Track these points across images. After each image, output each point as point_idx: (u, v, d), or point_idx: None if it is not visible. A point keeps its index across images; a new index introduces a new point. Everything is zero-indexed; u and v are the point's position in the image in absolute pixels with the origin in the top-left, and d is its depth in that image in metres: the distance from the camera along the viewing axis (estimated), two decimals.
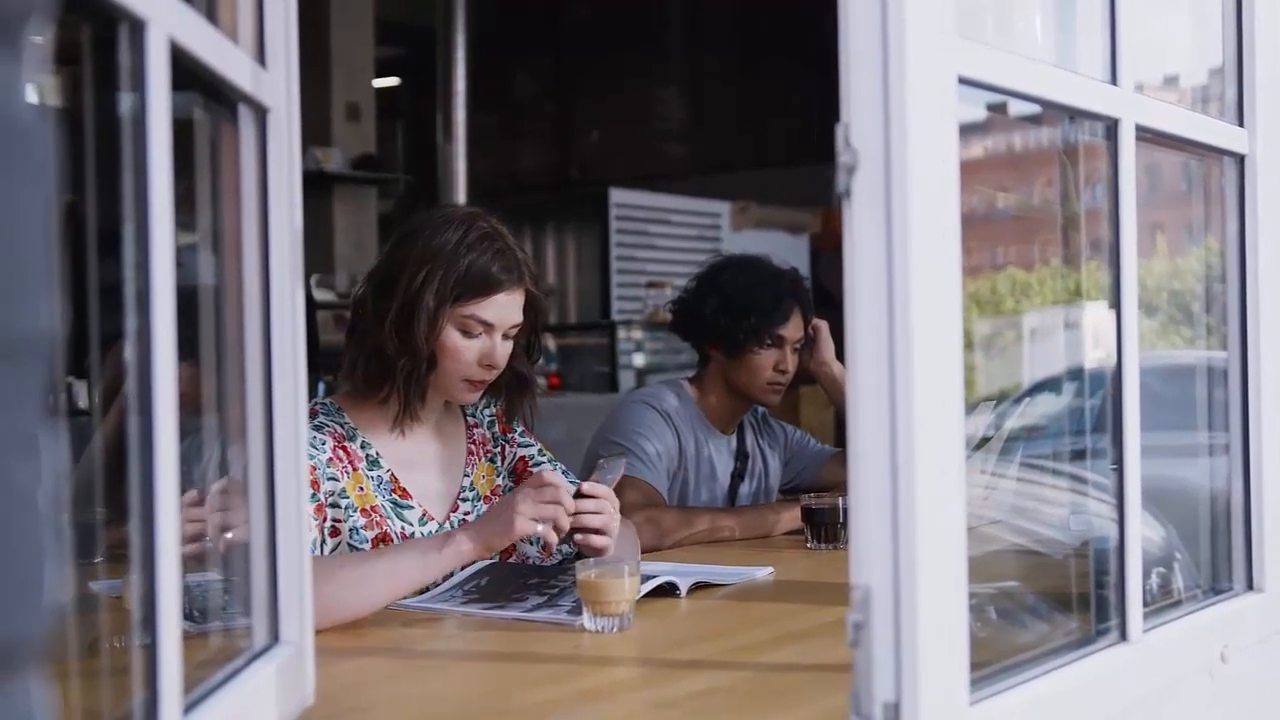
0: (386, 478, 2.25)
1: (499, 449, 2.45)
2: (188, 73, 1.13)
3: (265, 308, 1.37)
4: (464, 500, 2.35)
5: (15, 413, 0.57)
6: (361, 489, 2.20)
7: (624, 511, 2.77)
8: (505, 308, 2.24)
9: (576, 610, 1.93)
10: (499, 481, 2.41)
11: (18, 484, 0.57)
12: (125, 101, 1.03)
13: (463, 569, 2.17)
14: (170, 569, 1.03)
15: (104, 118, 1.05)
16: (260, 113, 1.36)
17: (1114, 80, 1.54)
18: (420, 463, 2.31)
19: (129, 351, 1.02)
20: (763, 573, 2.38)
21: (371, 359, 2.23)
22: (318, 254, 7.19)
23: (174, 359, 1.04)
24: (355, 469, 2.21)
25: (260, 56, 1.36)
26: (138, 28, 1.01)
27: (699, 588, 2.21)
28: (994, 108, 1.49)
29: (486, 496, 2.38)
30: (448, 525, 2.28)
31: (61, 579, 0.61)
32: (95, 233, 1.05)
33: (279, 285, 1.38)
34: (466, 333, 2.22)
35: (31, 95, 0.60)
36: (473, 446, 2.40)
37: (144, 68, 1.02)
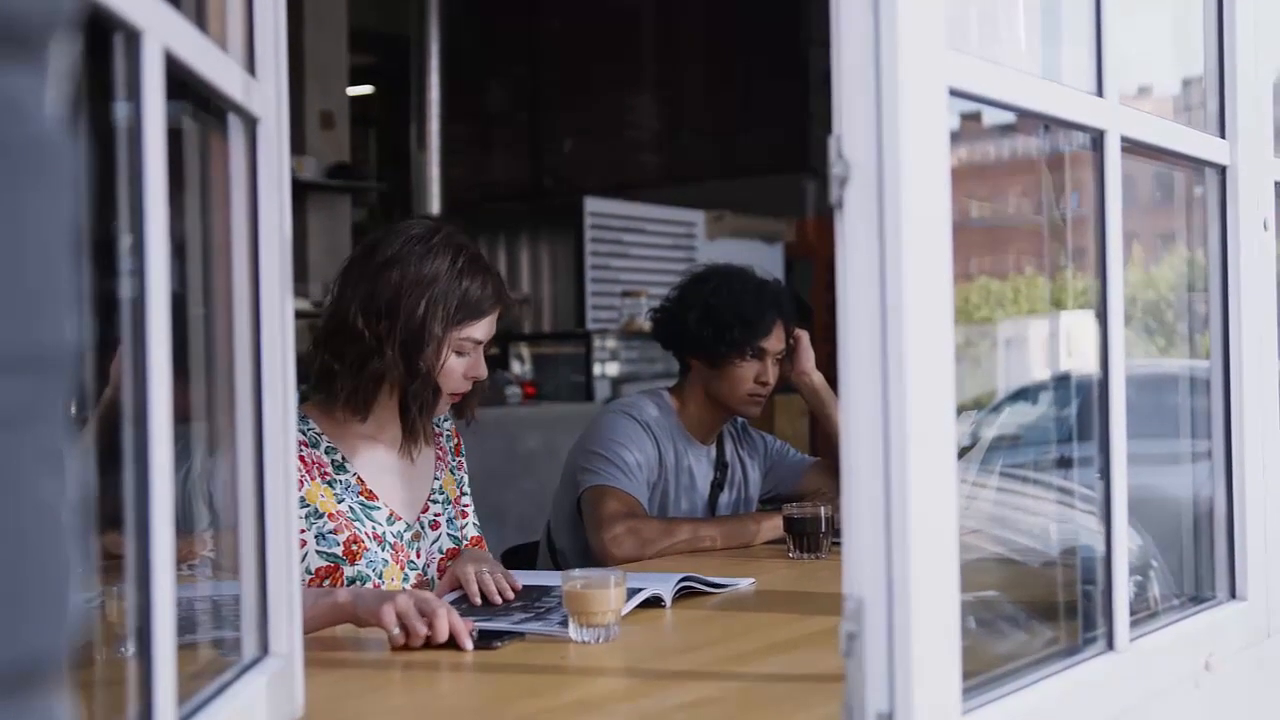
0: (353, 481, 2.30)
1: (456, 463, 2.54)
2: (179, 82, 1.13)
3: (255, 318, 1.37)
4: (434, 502, 2.43)
5: (40, 427, 0.57)
6: (324, 495, 2.25)
7: (605, 521, 2.79)
8: (492, 324, 2.35)
9: (565, 625, 1.92)
10: (458, 491, 2.51)
11: (44, 499, 0.57)
12: (120, 110, 1.03)
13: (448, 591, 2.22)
14: (165, 581, 1.02)
15: (97, 127, 1.05)
16: (250, 123, 1.36)
17: (1099, 92, 1.55)
18: (389, 467, 2.37)
19: (124, 362, 1.02)
20: (745, 583, 2.38)
21: (371, 384, 2.28)
22: (291, 263, 7.14)
23: (168, 368, 1.03)
24: (314, 477, 2.26)
25: (250, 66, 1.36)
26: (133, 37, 1.00)
27: (685, 595, 2.21)
28: (968, 116, 1.49)
29: (455, 500, 2.48)
30: (417, 525, 2.37)
31: (82, 594, 0.60)
32: (87, 242, 1.04)
33: (269, 295, 1.38)
34: (460, 353, 2.31)
35: (55, 109, 0.60)
36: (440, 453, 2.49)
37: (139, 77, 1.01)
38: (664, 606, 2.14)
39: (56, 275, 0.58)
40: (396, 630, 1.85)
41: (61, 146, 0.59)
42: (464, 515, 2.52)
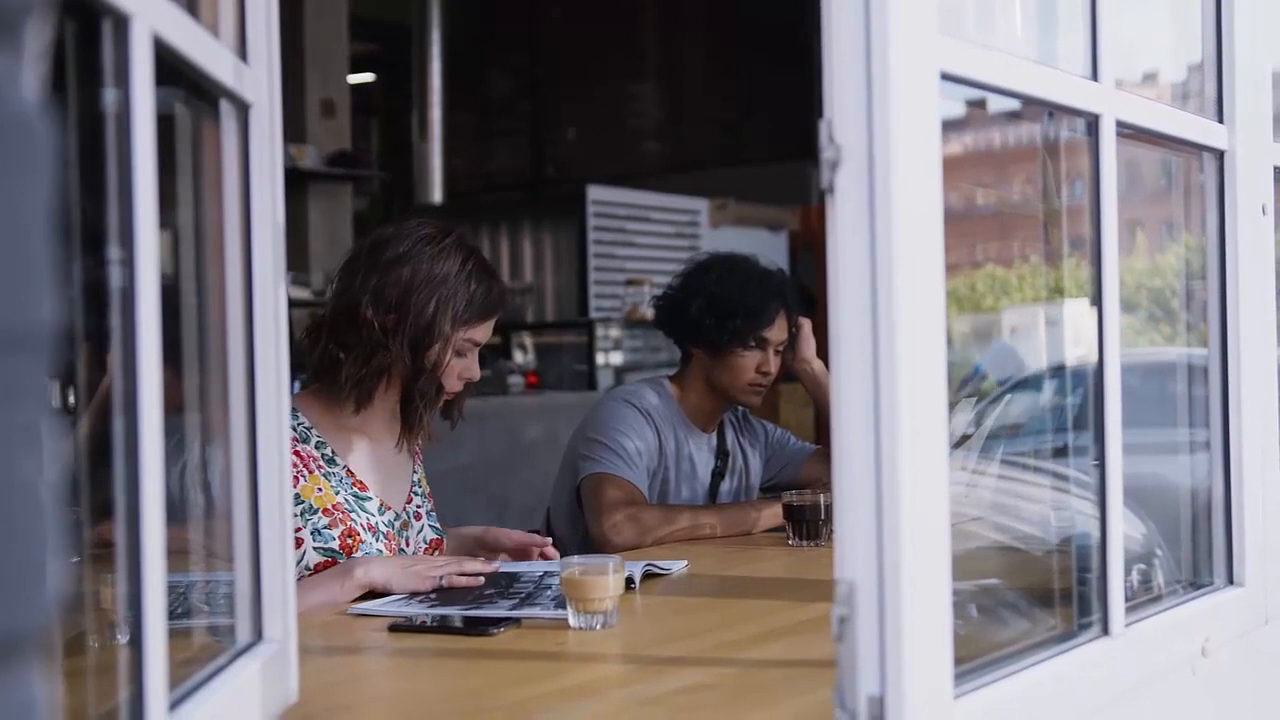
0: (344, 474, 2.34)
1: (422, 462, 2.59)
2: (169, 68, 1.12)
3: (248, 305, 1.37)
4: (415, 494, 2.49)
5: (19, 404, 0.57)
6: (320, 490, 2.29)
7: (605, 509, 2.79)
8: (491, 328, 2.41)
9: (560, 605, 1.93)
10: (428, 487, 2.56)
11: (22, 476, 0.57)
12: (108, 97, 1.03)
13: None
14: (155, 568, 1.02)
15: (85, 113, 1.05)
16: (242, 109, 1.36)
17: (1095, 76, 1.54)
18: (375, 459, 2.41)
19: (113, 350, 1.02)
20: (678, 565, 2.41)
21: (375, 376, 2.31)
22: (292, 252, 7.11)
23: (158, 356, 1.03)
24: (311, 470, 2.29)
25: (242, 52, 1.36)
26: (121, 22, 1.00)
27: (647, 577, 2.25)
28: (973, 104, 1.49)
29: (428, 495, 2.53)
30: (405, 514, 2.43)
31: (61, 571, 0.61)
32: (77, 230, 1.04)
33: (261, 283, 1.38)
34: (459, 353, 2.36)
35: (31, 89, 0.60)
36: (417, 448, 2.53)
37: (128, 63, 1.01)
38: (634, 589, 2.15)
39: (33, 256, 0.58)
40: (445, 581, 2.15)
41: (38, 128, 0.59)
42: (434, 510, 2.55)
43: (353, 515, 2.30)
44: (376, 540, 2.31)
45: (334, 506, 2.28)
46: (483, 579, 2.18)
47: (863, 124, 1.18)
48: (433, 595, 2.11)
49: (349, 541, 2.27)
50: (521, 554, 2.46)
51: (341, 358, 2.30)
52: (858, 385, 1.18)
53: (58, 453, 0.62)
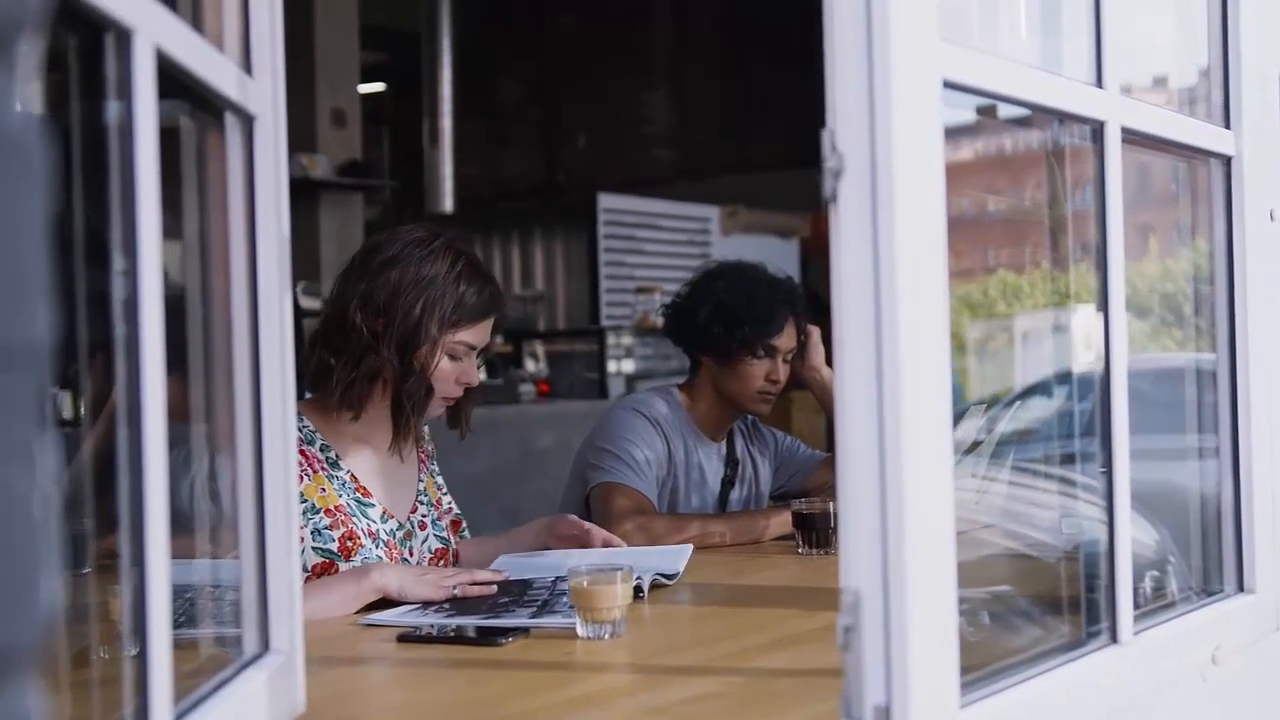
0: (348, 478, 2.35)
1: (434, 469, 2.58)
2: (174, 81, 1.13)
3: (253, 317, 1.37)
4: (421, 503, 2.48)
5: (12, 420, 0.57)
6: (323, 490, 2.30)
7: (614, 518, 2.79)
8: (487, 331, 2.40)
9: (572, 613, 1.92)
10: (439, 494, 2.55)
11: (14, 491, 0.57)
12: (111, 110, 1.03)
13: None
14: (159, 579, 1.02)
15: (89, 126, 1.05)
16: (247, 121, 1.36)
17: (1099, 83, 1.54)
18: (379, 467, 2.41)
19: (117, 362, 1.02)
20: (685, 551, 2.44)
21: (365, 380, 2.31)
22: (304, 262, 7.16)
23: (162, 368, 1.03)
24: (316, 471, 2.30)
25: (246, 64, 1.36)
26: (124, 36, 1.01)
27: (655, 587, 2.25)
28: (983, 110, 1.49)
29: (436, 503, 2.52)
30: (408, 524, 2.42)
31: (56, 586, 0.61)
32: (81, 242, 1.04)
33: (267, 294, 1.38)
34: (453, 357, 2.35)
35: (25, 105, 0.60)
36: (423, 456, 2.53)
37: (130, 76, 1.02)
38: (642, 599, 2.14)
39: (27, 271, 0.59)
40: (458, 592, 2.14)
41: (32, 144, 0.60)
42: (446, 514, 2.55)
43: (354, 519, 2.30)
44: (376, 546, 2.31)
45: (336, 508, 2.29)
46: (495, 588, 2.18)
47: (865, 132, 1.18)
48: (447, 605, 2.10)
49: (348, 544, 2.27)
50: (581, 542, 2.48)
51: (332, 363, 2.30)
52: (862, 393, 1.18)
53: (56, 467, 0.62)
